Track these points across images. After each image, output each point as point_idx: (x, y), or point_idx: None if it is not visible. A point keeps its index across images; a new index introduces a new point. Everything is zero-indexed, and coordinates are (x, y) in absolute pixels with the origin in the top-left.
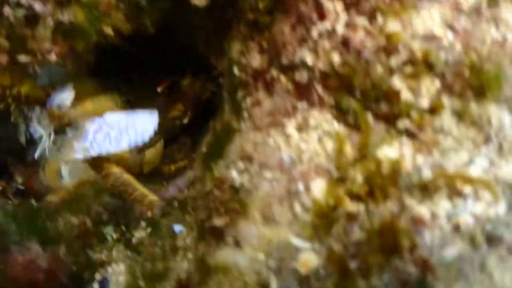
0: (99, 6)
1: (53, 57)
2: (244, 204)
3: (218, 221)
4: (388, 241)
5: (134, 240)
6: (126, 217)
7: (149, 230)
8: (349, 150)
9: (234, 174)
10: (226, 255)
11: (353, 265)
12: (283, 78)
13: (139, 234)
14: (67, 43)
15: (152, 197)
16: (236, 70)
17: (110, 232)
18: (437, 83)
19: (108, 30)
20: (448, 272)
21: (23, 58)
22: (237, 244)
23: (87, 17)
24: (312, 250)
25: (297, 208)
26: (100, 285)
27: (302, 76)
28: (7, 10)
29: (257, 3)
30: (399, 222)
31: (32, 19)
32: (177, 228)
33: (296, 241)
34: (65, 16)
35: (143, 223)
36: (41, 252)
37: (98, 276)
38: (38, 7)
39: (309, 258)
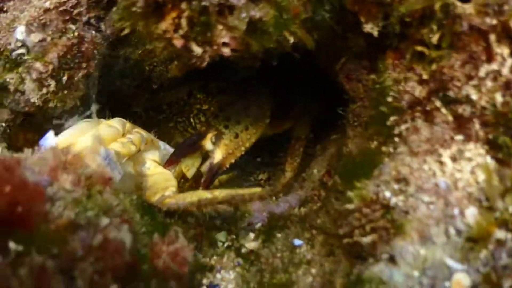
0: (289, 9)
1: (227, 51)
2: (399, 223)
3: (364, 239)
4: None
5: (243, 250)
6: (236, 226)
7: (261, 240)
8: (497, 183)
9: (387, 194)
10: (381, 269)
11: (506, 284)
12: (444, 110)
13: (249, 244)
14: (247, 40)
15: (257, 190)
16: (390, 97)
17: (221, 239)
18: None
19: (290, 37)
20: None
21: (197, 48)
22: (392, 260)
23: (275, 18)
24: (464, 271)
25: (451, 231)
26: None
27: (464, 110)
28: None
29: (433, 37)
30: None
31: (224, 10)
32: (297, 242)
33: (450, 262)
34: (257, 12)
35: (251, 234)
36: (185, 243)
37: (205, 281)
38: None
39: (462, 278)
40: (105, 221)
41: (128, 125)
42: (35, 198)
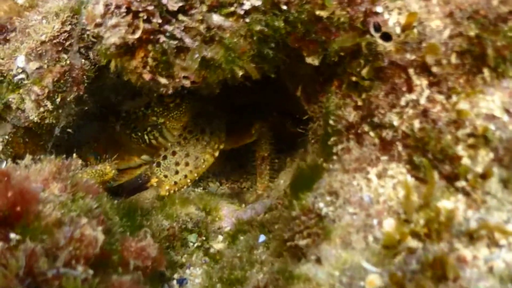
0: (236, 49)
1: (187, 83)
2: (327, 230)
3: (302, 242)
4: (438, 272)
5: (212, 250)
6: (207, 229)
7: (227, 242)
8: (416, 199)
9: (321, 205)
10: (308, 268)
11: (410, 286)
12: (372, 133)
13: (217, 245)
14: (203, 73)
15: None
16: (331, 120)
17: (192, 240)
18: (491, 155)
19: (239, 71)
20: None
21: (163, 80)
22: (318, 261)
23: (225, 56)
24: (377, 273)
25: (370, 238)
26: (178, 283)
27: (388, 134)
28: (162, 38)
29: (362, 70)
30: (448, 258)
31: (183, 50)
32: (262, 238)
33: (366, 265)
34: (208, 52)
35: (220, 237)
36: (152, 242)
37: (176, 276)
38: (188, 41)
39: (375, 279)
40: (83, 220)
41: None
42: (31, 201)
